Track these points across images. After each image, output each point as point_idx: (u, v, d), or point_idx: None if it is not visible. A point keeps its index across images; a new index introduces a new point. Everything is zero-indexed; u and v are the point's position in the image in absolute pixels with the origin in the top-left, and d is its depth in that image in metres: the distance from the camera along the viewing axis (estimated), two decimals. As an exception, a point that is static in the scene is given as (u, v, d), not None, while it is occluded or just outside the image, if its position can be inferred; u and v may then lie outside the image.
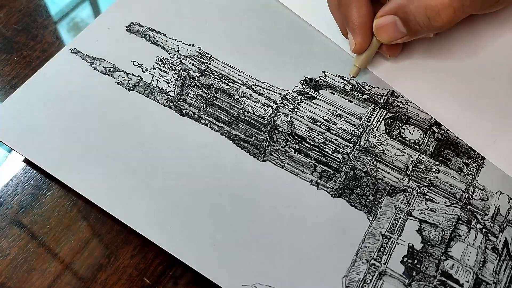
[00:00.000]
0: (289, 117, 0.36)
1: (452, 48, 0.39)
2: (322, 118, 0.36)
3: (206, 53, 0.39)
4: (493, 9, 0.36)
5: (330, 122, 0.36)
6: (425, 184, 0.34)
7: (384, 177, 0.34)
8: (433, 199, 0.34)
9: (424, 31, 0.33)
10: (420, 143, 0.36)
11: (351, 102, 0.37)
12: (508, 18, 0.40)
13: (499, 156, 0.35)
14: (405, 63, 0.39)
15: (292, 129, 0.36)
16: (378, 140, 0.36)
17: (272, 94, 0.37)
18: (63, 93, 0.36)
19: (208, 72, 0.38)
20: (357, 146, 0.35)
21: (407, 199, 0.34)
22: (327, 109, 0.37)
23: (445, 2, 0.31)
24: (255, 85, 0.37)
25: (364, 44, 0.35)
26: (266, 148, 0.35)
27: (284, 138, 0.35)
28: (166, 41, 0.39)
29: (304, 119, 0.36)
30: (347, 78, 0.38)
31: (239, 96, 0.37)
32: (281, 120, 0.36)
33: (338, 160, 0.35)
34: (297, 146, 0.35)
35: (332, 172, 0.34)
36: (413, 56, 0.39)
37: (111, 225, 0.32)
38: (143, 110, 0.36)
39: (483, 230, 0.33)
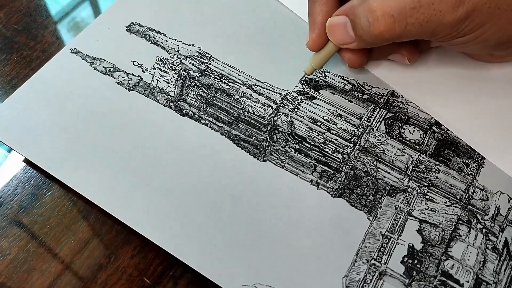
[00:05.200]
0: (289, 117, 0.36)
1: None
2: (322, 118, 0.36)
3: (206, 53, 0.39)
4: (458, 46, 0.33)
5: (330, 122, 0.36)
6: (425, 184, 0.34)
7: (384, 177, 0.34)
8: (433, 199, 0.34)
9: (367, 39, 0.31)
10: (420, 143, 0.36)
11: (351, 102, 0.37)
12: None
13: (499, 156, 0.35)
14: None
15: (292, 129, 0.36)
16: (378, 140, 0.36)
17: (272, 94, 0.37)
18: (63, 93, 0.36)
19: (208, 72, 0.38)
20: (357, 146, 0.35)
21: (407, 199, 0.34)
22: (327, 109, 0.37)
23: (385, 9, 0.30)
24: (255, 85, 0.37)
25: (317, 42, 0.34)
26: (266, 148, 0.35)
27: (284, 138, 0.35)
28: (166, 41, 0.39)
29: (304, 119, 0.36)
30: (347, 78, 0.38)
31: (239, 96, 0.37)
32: (281, 120, 0.36)
33: (338, 160, 0.35)
34: (297, 146, 0.35)
35: (332, 172, 0.34)
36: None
37: (111, 225, 0.32)
38: (143, 110, 0.36)
39: (483, 230, 0.33)
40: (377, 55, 0.37)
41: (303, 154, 0.35)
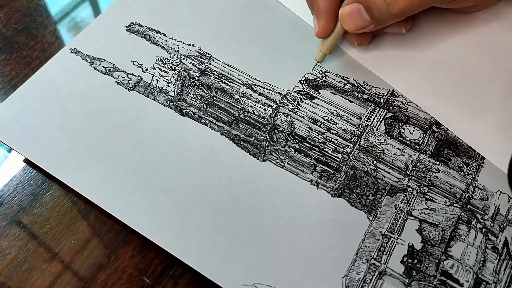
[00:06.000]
0: (289, 116, 0.36)
1: (452, 48, 0.39)
2: (322, 117, 0.36)
3: (206, 53, 0.39)
4: (461, 3, 0.36)
5: (330, 121, 0.36)
6: (425, 183, 0.34)
7: (384, 176, 0.34)
8: (433, 199, 0.34)
9: (386, 18, 0.33)
10: (420, 142, 0.36)
11: (351, 101, 0.37)
12: (506, 15, 0.40)
13: (499, 156, 0.35)
14: (405, 62, 0.39)
15: (292, 128, 0.36)
16: (378, 139, 0.36)
17: (272, 94, 0.37)
18: (63, 93, 0.36)
19: (208, 72, 0.38)
20: (357, 145, 0.35)
21: (407, 198, 0.34)
22: (327, 109, 0.37)
23: None
24: (255, 85, 0.37)
25: (327, 29, 0.36)
26: (266, 148, 0.35)
27: (284, 138, 0.35)
28: (166, 41, 0.39)
29: (304, 118, 0.36)
30: (347, 77, 0.38)
31: (239, 96, 0.37)
32: (281, 120, 0.36)
33: (338, 159, 0.35)
34: (297, 146, 0.35)
35: (332, 172, 0.34)
36: (413, 56, 0.39)
37: (111, 225, 0.32)
38: (143, 110, 0.36)
39: (483, 230, 0.33)
40: (377, 30, 0.37)
41: (303, 154, 0.35)
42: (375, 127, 0.36)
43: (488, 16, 0.40)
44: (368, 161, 0.35)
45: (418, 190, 0.34)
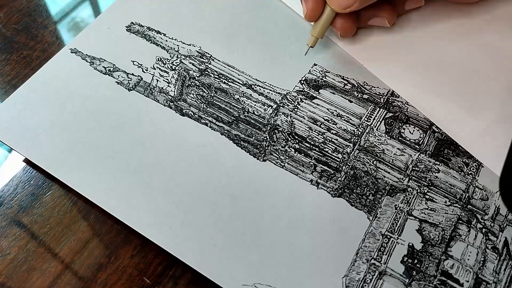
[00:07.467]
0: (289, 116, 0.36)
1: (451, 50, 0.39)
2: (322, 117, 0.36)
3: (206, 53, 0.39)
4: None
5: (330, 121, 0.36)
6: (425, 183, 0.34)
7: (384, 176, 0.34)
8: (433, 199, 0.34)
9: None
10: (420, 142, 0.36)
11: (351, 101, 0.37)
12: (506, 15, 0.40)
13: (496, 160, 0.35)
14: (404, 63, 0.39)
15: (292, 128, 0.36)
16: (378, 139, 0.36)
17: (272, 93, 0.37)
18: (63, 93, 0.36)
19: (208, 72, 0.38)
20: (357, 145, 0.35)
21: (407, 198, 0.34)
22: (327, 109, 0.37)
23: None
24: (255, 84, 0.37)
25: (315, 11, 0.36)
26: (266, 148, 0.35)
27: (284, 138, 0.35)
28: (166, 41, 0.39)
29: (304, 118, 0.36)
30: (347, 77, 0.38)
31: (239, 96, 0.37)
32: (281, 120, 0.36)
33: (338, 159, 0.35)
34: (297, 146, 0.35)
35: (332, 172, 0.34)
36: (411, 57, 0.39)
37: (111, 225, 0.32)
38: (143, 110, 0.36)
39: (483, 230, 0.33)
40: (361, 23, 0.38)
41: (303, 154, 0.35)
42: (375, 127, 0.36)
43: (488, 16, 0.40)
44: (368, 161, 0.35)
45: (418, 190, 0.34)
